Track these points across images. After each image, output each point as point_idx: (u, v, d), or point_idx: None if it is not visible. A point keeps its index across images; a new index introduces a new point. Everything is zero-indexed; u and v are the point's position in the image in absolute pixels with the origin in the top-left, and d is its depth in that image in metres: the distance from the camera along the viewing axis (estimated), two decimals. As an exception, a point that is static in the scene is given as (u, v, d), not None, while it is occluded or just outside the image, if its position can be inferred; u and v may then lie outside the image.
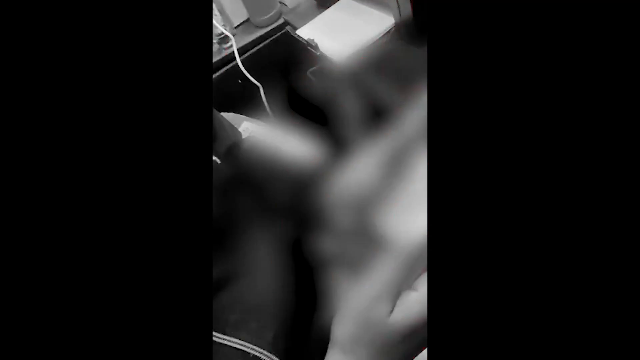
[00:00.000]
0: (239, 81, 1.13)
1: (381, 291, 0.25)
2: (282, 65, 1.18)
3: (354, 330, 0.26)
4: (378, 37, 0.84)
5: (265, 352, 0.36)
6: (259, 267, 0.41)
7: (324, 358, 0.28)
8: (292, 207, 0.46)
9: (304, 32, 0.99)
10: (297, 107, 1.19)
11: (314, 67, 1.09)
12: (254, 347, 0.36)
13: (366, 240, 0.27)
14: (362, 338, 0.26)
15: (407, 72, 0.81)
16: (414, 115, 0.26)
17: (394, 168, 0.26)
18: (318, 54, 0.92)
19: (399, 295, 0.25)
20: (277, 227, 0.45)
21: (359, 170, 0.26)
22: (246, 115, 0.98)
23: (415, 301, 0.25)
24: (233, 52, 1.07)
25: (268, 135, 0.83)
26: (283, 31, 1.15)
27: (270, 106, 1.20)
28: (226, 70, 1.15)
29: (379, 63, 0.84)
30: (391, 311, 0.25)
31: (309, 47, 0.94)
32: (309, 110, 1.18)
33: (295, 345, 0.39)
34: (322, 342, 0.30)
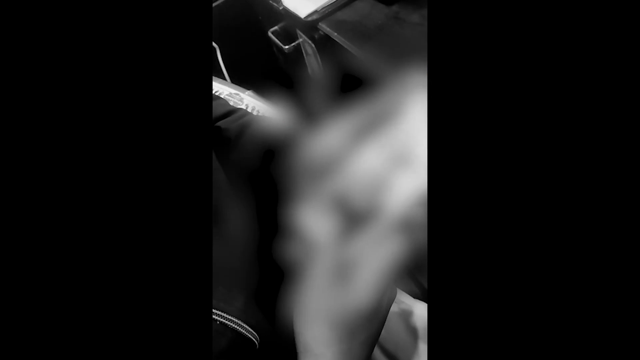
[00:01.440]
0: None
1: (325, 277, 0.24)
2: (241, 24, 1.11)
3: (328, 332, 0.25)
4: (345, -8, 0.79)
5: (235, 319, 0.32)
6: (227, 230, 0.37)
7: (294, 329, 0.26)
8: (263, 174, 0.43)
9: (266, -14, 0.92)
10: (257, 71, 1.13)
11: (276, 27, 1.02)
12: (222, 313, 0.32)
13: (326, 211, 0.25)
14: (336, 337, 0.25)
15: (375, 31, 0.76)
16: (392, 92, 0.24)
17: (363, 140, 0.24)
18: (281, 8, 0.85)
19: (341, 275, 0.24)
20: (245, 192, 0.42)
21: (327, 139, 0.25)
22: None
23: (366, 285, 0.24)
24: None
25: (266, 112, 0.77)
26: (243, -13, 1.08)
27: (228, 70, 1.13)
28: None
29: (346, 20, 0.79)
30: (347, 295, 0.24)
31: (271, 1, 0.88)
32: (271, 74, 1.12)
33: (266, 313, 0.36)
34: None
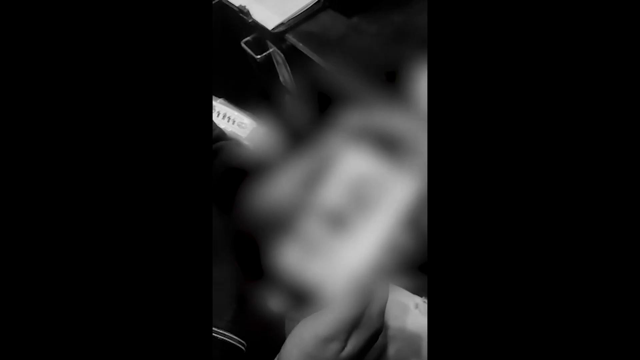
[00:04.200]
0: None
1: (334, 331, 0.26)
2: (214, 35, 1.15)
3: None
4: (310, 4, 0.84)
5: (221, 332, 0.34)
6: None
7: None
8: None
9: (236, -1, 0.97)
10: (233, 81, 1.17)
11: (249, 37, 1.07)
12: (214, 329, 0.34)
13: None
14: None
15: (337, 42, 0.82)
16: (334, 133, 0.26)
17: (312, 185, 0.26)
18: (250, 20, 0.90)
19: (352, 333, 0.26)
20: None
21: (277, 187, 0.26)
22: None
23: (365, 331, 0.27)
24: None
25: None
26: (215, -1, 1.12)
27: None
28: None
29: (310, 32, 0.84)
30: (344, 347, 0.27)
31: (241, 15, 0.93)
32: (246, 84, 1.16)
33: (255, 325, 0.38)
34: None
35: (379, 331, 0.29)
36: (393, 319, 0.58)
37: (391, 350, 0.54)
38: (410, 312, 0.59)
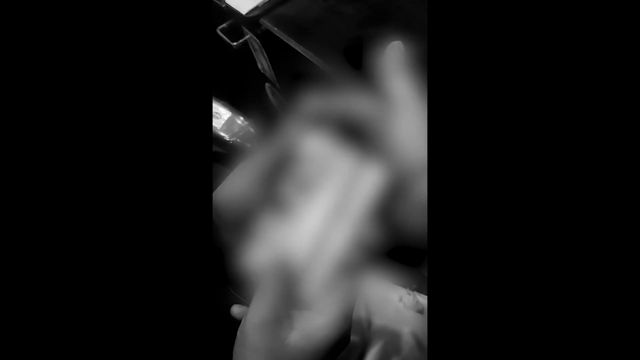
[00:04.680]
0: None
1: (266, 313, 0.25)
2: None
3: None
4: (284, -13, 0.80)
5: None
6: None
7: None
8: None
9: (210, -15, 0.93)
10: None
11: (225, 24, 1.03)
12: None
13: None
14: None
15: (314, 24, 0.78)
16: (292, 126, 0.25)
17: (271, 182, 0.25)
18: (224, 5, 0.86)
19: (283, 315, 0.25)
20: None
21: (235, 184, 0.25)
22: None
23: (318, 327, 0.25)
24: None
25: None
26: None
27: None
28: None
29: (286, 15, 0.80)
30: (288, 333, 0.25)
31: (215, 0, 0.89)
32: (222, 72, 1.12)
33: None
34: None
35: (347, 333, 0.27)
36: (375, 315, 0.56)
37: (374, 347, 0.52)
38: (393, 307, 0.56)
